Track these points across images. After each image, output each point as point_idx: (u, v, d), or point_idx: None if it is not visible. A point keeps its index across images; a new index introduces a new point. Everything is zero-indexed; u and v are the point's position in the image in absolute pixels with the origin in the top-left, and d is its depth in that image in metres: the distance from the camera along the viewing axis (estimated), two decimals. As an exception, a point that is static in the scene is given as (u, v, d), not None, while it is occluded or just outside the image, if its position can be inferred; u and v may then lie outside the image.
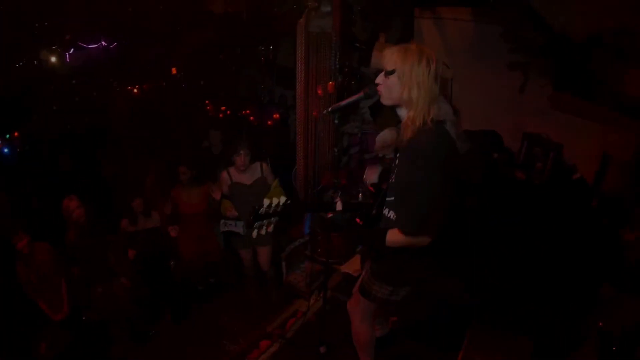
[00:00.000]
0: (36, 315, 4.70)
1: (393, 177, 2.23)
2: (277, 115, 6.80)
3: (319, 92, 4.58)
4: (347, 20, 4.70)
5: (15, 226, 4.60)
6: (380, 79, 2.17)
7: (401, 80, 2.08)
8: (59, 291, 4.70)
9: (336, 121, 2.57)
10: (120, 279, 4.80)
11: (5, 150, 7.36)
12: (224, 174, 4.48)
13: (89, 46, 6.23)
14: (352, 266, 4.44)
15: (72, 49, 6.22)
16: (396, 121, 2.28)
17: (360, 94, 2.29)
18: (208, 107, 7.46)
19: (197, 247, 5.04)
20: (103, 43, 6.26)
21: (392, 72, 2.09)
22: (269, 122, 6.76)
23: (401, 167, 2.15)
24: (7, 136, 7.40)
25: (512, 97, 4.64)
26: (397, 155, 2.23)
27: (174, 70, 7.15)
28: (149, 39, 6.37)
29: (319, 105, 4.61)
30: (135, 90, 7.46)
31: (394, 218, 2.20)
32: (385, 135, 3.70)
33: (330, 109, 2.43)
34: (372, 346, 2.98)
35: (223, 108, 7.29)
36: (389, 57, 2.11)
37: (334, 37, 4.35)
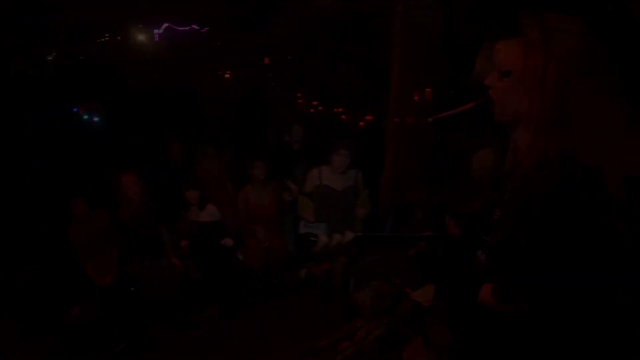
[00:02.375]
0: (78, 278, 4.78)
1: (498, 214, 1.67)
2: (371, 117, 6.46)
3: (416, 97, 4.18)
4: (449, 19, 4.24)
5: (75, 190, 4.74)
6: (491, 80, 1.59)
7: (521, 86, 1.50)
8: (109, 259, 4.75)
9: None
10: (172, 258, 4.78)
11: (86, 116, 7.73)
12: (314, 172, 4.39)
13: (179, 28, 6.43)
14: (425, 295, 3.94)
15: (162, 29, 6.45)
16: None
17: (471, 105, 1.76)
18: (299, 101, 7.24)
19: (265, 248, 4.98)
20: (194, 26, 6.43)
21: (507, 74, 1.53)
22: (361, 123, 6.45)
23: (512, 209, 1.59)
24: (89, 103, 7.78)
25: (616, 130, 3.84)
26: (506, 188, 1.66)
27: (266, 60, 7.14)
28: (240, 26, 6.42)
29: (414, 112, 4.19)
30: (226, 76, 7.56)
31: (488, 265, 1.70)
32: (484, 158, 3.21)
33: (433, 119, 1.96)
34: None
35: (315, 103, 7.07)
36: (505, 52, 1.55)
37: (435, 37, 3.90)
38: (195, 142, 6.34)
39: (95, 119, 8.27)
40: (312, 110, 7.08)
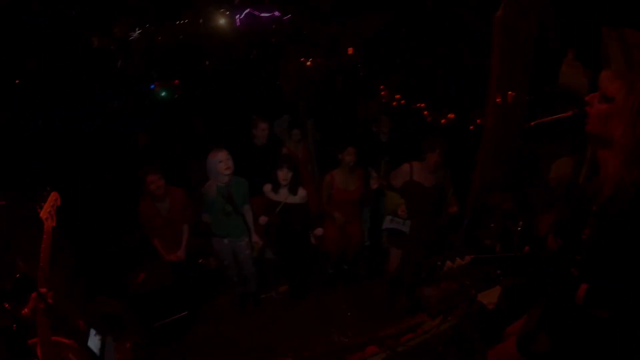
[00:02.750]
0: (147, 250, 4.93)
1: (587, 233, 1.70)
2: (453, 115, 6.38)
3: (498, 100, 4.12)
4: (541, 27, 4.14)
5: (151, 166, 4.70)
6: (592, 99, 1.65)
7: (620, 114, 1.57)
8: (179, 235, 4.80)
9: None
10: (253, 236, 4.78)
11: (163, 93, 8.01)
12: (405, 167, 4.34)
13: (261, 14, 6.38)
14: (489, 297, 3.93)
15: (243, 14, 6.42)
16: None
17: (568, 114, 1.80)
18: (382, 93, 7.24)
19: (341, 233, 4.96)
20: (276, 13, 6.38)
21: (610, 100, 1.58)
22: (443, 121, 6.39)
23: (600, 231, 1.64)
24: (165, 82, 8.06)
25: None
26: (591, 209, 1.70)
27: (350, 50, 7.11)
28: (324, 16, 6.38)
29: (507, 116, 4.15)
30: (308, 63, 7.60)
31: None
32: (562, 167, 3.16)
33: (533, 124, 2.00)
34: None
35: (397, 96, 7.03)
36: (610, 80, 1.60)
37: (526, 43, 3.84)
38: (280, 124, 6.45)
39: (176, 97, 8.62)
40: (394, 103, 7.05)
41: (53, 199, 2.57)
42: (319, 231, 4.72)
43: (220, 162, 4.40)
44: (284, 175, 4.67)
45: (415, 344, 3.69)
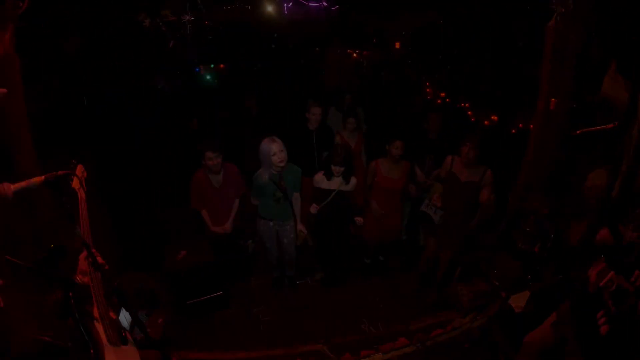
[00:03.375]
0: (191, 225, 5.13)
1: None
2: (496, 117, 6.35)
3: (552, 106, 4.16)
4: (589, 37, 4.15)
5: (211, 143, 4.81)
6: None
7: None
8: (228, 209, 4.97)
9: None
10: (298, 223, 4.86)
11: (208, 77, 8.24)
12: (449, 159, 4.55)
13: (309, 3, 6.38)
14: (518, 301, 3.94)
15: (291, 3, 6.44)
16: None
17: (610, 126, 1.92)
18: (428, 90, 7.27)
19: (380, 224, 5.02)
20: (324, 3, 6.38)
21: None
22: (486, 122, 6.37)
23: None
24: (212, 65, 8.26)
25: None
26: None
27: (397, 45, 7.12)
28: (373, 8, 6.38)
29: (543, 120, 4.22)
30: (354, 55, 7.66)
31: None
32: (598, 177, 3.20)
33: (579, 132, 2.12)
34: None
35: (442, 94, 7.05)
36: None
37: (576, 51, 3.89)
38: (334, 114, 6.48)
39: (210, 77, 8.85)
40: (439, 101, 7.07)
41: (81, 170, 2.62)
42: (359, 220, 4.75)
43: (274, 154, 4.45)
44: (338, 168, 4.72)
45: (443, 340, 3.79)
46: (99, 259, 2.30)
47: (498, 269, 4.26)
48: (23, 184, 1.90)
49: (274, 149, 4.44)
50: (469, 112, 6.64)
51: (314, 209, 4.83)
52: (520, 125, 5.35)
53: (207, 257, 4.99)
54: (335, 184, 4.80)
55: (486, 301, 3.82)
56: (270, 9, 7.12)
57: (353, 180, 4.83)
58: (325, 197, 4.81)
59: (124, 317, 4.40)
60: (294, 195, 4.76)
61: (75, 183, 2.50)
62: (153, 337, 4.18)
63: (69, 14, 5.48)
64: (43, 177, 2.00)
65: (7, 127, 3.78)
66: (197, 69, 8.59)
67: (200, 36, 7.96)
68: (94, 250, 2.30)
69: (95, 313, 2.12)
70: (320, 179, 4.88)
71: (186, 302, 4.88)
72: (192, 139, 6.63)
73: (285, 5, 7.05)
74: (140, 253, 5.11)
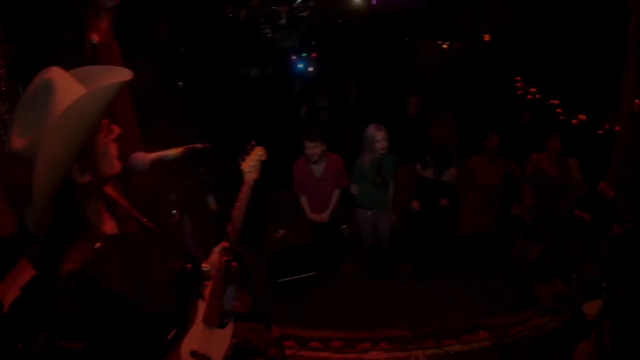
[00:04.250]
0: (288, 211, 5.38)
1: None
2: (584, 117, 6.28)
3: (636, 108, 4.21)
4: None
5: (311, 132, 5.01)
6: None
7: None
8: (327, 199, 5.10)
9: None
10: (391, 212, 5.05)
11: (300, 65, 8.54)
12: (534, 156, 4.61)
13: None
14: (591, 308, 3.87)
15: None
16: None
17: None
18: (518, 84, 7.24)
19: (477, 218, 5.13)
20: None
21: None
22: (574, 121, 6.34)
23: None
24: (304, 54, 8.60)
25: None
26: None
27: (486, 37, 7.09)
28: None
29: (629, 122, 4.32)
30: (444, 46, 7.70)
31: None
32: None
33: None
34: None
35: (533, 90, 7.01)
36: None
37: None
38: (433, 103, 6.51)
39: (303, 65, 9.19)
40: (529, 97, 7.04)
41: (258, 152, 2.53)
42: (444, 201, 4.98)
43: (379, 141, 4.67)
44: (438, 153, 4.97)
45: (521, 337, 3.96)
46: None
47: (579, 272, 4.35)
48: (160, 153, 1.85)
49: (379, 136, 4.68)
50: (559, 110, 6.60)
51: (415, 205, 5.03)
52: (607, 126, 5.30)
53: (304, 238, 5.30)
54: (432, 173, 5.03)
55: (563, 304, 3.96)
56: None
57: (451, 172, 5.03)
58: (423, 187, 5.04)
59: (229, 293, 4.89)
60: (390, 183, 4.96)
61: (246, 164, 2.43)
62: (244, 311, 4.74)
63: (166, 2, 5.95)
64: (182, 148, 1.94)
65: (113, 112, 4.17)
66: (292, 58, 9.04)
67: (295, 26, 8.39)
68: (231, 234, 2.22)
69: (206, 292, 2.08)
70: (419, 168, 5.14)
71: (278, 279, 5.11)
72: (301, 127, 6.88)
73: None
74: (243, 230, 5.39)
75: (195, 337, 1.94)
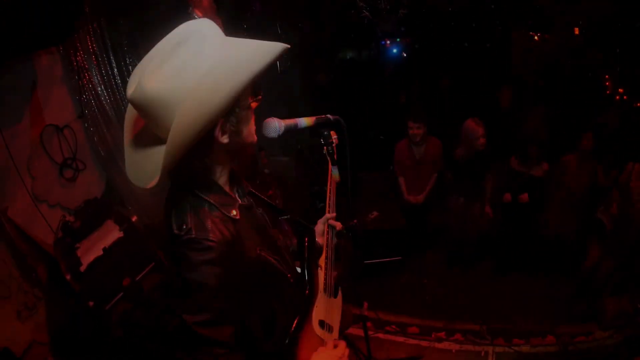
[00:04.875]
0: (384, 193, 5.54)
1: None
2: None
3: None
4: None
5: (415, 114, 5.13)
6: None
7: None
8: (425, 182, 5.28)
9: None
10: (487, 206, 5.12)
11: (395, 50, 8.67)
12: (629, 166, 4.47)
13: None
14: None
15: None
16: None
17: None
18: (607, 83, 7.18)
19: (560, 219, 5.17)
20: None
21: None
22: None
23: None
24: (398, 39, 8.80)
25: None
26: None
27: (576, 30, 6.97)
28: None
29: None
30: (536, 38, 7.61)
31: None
32: None
33: None
34: None
35: (620, 90, 6.94)
36: None
37: None
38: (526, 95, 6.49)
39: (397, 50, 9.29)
40: (617, 97, 6.97)
41: (333, 136, 2.40)
42: (524, 197, 4.96)
43: (478, 138, 4.75)
44: (533, 150, 4.94)
45: (584, 348, 4.15)
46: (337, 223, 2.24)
47: None
48: (294, 120, 1.78)
49: (479, 132, 4.76)
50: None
51: (507, 197, 5.07)
52: None
53: (395, 222, 5.44)
54: (528, 167, 5.05)
55: (625, 321, 4.09)
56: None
57: (544, 166, 5.02)
58: (517, 181, 5.05)
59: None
60: (486, 176, 5.03)
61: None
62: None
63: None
64: (314, 117, 1.88)
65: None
66: (383, 42, 9.24)
67: (393, 10, 8.48)
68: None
69: (322, 262, 2.10)
70: (514, 161, 5.14)
71: (364, 261, 5.26)
72: (400, 112, 7.04)
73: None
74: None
75: (320, 307, 1.95)
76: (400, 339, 4.55)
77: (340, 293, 2.17)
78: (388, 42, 9.29)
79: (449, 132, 5.35)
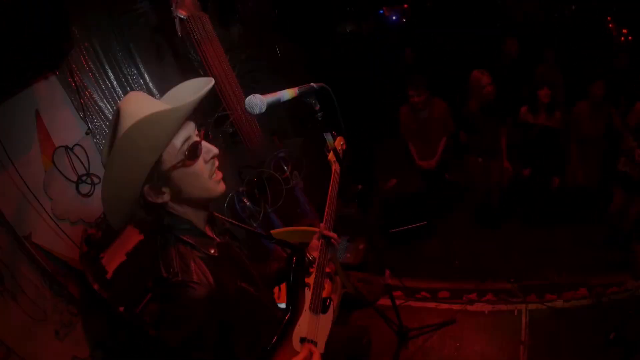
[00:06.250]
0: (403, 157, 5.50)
1: None
2: None
3: None
4: None
5: (413, 80, 5.12)
6: None
7: None
8: (435, 145, 5.30)
9: None
10: (504, 161, 5.08)
11: (394, 17, 8.40)
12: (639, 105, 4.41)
13: None
14: None
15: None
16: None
17: None
18: (610, 25, 6.92)
19: (582, 169, 5.22)
20: None
21: None
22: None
23: None
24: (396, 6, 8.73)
25: None
26: None
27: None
28: None
29: None
30: None
31: None
32: None
33: None
34: None
35: (625, 31, 6.69)
36: None
37: None
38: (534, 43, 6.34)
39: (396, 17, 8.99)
40: (622, 38, 6.57)
41: (340, 142, 2.59)
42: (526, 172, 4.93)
43: (484, 86, 4.70)
44: (544, 93, 4.86)
45: (617, 299, 4.06)
46: (333, 235, 2.28)
47: None
48: (276, 94, 1.73)
49: (484, 80, 4.71)
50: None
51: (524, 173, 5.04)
52: None
53: (415, 187, 5.49)
54: (541, 117, 4.97)
55: None
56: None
57: (558, 115, 4.95)
58: (530, 130, 4.99)
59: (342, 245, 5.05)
60: (500, 131, 4.98)
61: (331, 156, 2.50)
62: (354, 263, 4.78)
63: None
64: (297, 87, 1.82)
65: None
66: (381, 11, 8.96)
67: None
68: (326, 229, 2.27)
69: (310, 281, 2.15)
70: (525, 112, 5.06)
71: (389, 230, 5.41)
72: (406, 72, 6.94)
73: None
74: (353, 180, 5.44)
75: (304, 324, 2.03)
76: (432, 304, 4.58)
77: (331, 307, 2.22)
78: (387, 10, 9.08)
79: (458, 91, 5.29)
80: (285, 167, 4.96)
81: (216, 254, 1.74)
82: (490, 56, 6.33)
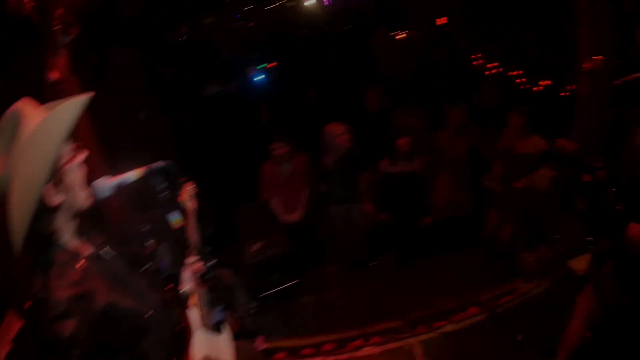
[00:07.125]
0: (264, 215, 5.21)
1: None
2: (549, 82, 6.27)
3: (589, 65, 4.25)
4: None
5: (278, 134, 5.10)
6: None
7: None
8: (298, 198, 5.16)
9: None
10: (366, 205, 5.04)
11: (261, 76, 8.51)
12: (505, 132, 4.65)
13: None
14: (580, 264, 3.89)
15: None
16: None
17: None
18: (480, 61, 7.26)
19: (450, 197, 5.21)
20: None
21: None
22: (535, 88, 6.34)
23: None
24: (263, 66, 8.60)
25: None
26: None
27: (439, 21, 7.13)
28: None
29: (588, 80, 4.34)
30: (401, 36, 7.76)
31: None
32: None
33: (621, 82, 2.25)
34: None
35: (495, 64, 7.03)
36: None
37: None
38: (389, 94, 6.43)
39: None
40: (494, 71, 7.03)
41: (190, 186, 2.44)
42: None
43: (339, 135, 4.75)
44: (403, 142, 4.99)
45: (513, 306, 3.94)
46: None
47: (561, 232, 4.33)
48: (122, 176, 1.80)
49: (338, 130, 4.74)
50: (517, 80, 6.60)
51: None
52: (569, 87, 5.36)
53: (282, 247, 5.14)
54: (400, 165, 5.05)
55: (550, 267, 3.95)
56: (311, 1, 7.40)
57: (417, 160, 5.05)
58: (394, 180, 5.04)
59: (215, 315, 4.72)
60: (360, 177, 4.98)
61: (182, 197, 2.36)
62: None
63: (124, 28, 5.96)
64: (143, 168, 1.90)
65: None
66: (252, 71, 9.00)
67: (250, 40, 8.38)
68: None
69: (193, 303, 2.12)
70: (385, 163, 5.13)
71: (259, 295, 4.95)
72: (262, 132, 6.76)
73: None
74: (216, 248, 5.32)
75: (203, 343, 2.00)
76: (318, 359, 4.27)
77: (227, 328, 2.24)
78: (254, 70, 9.06)
79: (318, 144, 5.27)
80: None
81: (85, 266, 1.61)
82: (353, 108, 6.29)
